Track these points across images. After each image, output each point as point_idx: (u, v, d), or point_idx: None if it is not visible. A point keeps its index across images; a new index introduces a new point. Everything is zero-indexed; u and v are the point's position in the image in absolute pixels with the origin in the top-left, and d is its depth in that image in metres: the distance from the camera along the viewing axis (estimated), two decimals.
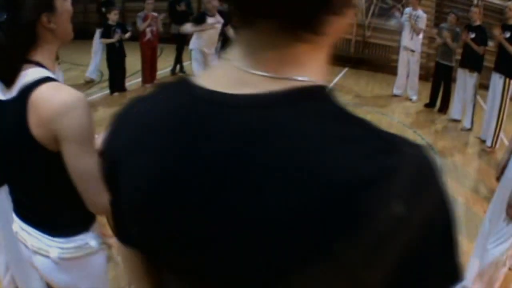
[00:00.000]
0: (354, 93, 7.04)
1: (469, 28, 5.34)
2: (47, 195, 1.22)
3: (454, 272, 0.45)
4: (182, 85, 0.48)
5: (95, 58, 6.53)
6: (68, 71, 6.55)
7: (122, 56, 5.94)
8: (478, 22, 5.42)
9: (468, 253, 3.02)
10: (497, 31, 4.80)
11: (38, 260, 1.27)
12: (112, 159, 0.52)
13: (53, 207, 1.24)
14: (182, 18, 7.31)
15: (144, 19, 6.29)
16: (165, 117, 0.47)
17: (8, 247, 1.93)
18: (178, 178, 0.45)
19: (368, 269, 0.40)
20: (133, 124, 0.50)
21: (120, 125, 0.52)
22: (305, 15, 0.42)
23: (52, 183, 1.19)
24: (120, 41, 5.81)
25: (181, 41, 7.27)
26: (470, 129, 5.37)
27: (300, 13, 0.41)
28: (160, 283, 0.56)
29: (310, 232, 0.39)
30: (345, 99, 6.63)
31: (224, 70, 0.46)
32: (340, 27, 0.46)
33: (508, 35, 4.95)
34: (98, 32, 6.31)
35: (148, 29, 6.36)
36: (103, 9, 6.04)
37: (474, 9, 5.44)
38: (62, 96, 1.08)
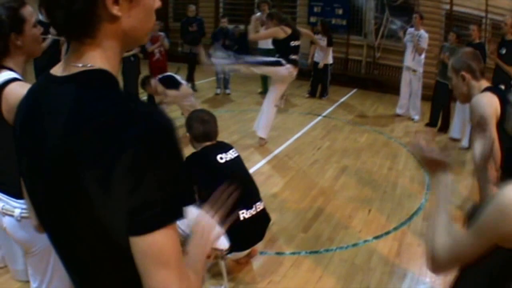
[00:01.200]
0: (357, 112, 7.00)
1: (470, 46, 5.25)
2: (11, 163, 1.41)
3: (169, 208, 0.70)
4: (47, 73, 0.84)
5: None
6: None
7: (137, 72, 6.11)
8: (477, 40, 5.38)
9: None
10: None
11: (7, 220, 1.64)
12: (15, 122, 0.88)
13: (16, 175, 1.45)
14: (194, 39, 7.57)
15: (152, 40, 6.48)
16: (32, 90, 0.87)
17: None
18: (26, 127, 0.82)
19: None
20: (24, 98, 0.87)
21: (21, 101, 0.88)
22: (77, 32, 0.75)
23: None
24: (135, 56, 6.06)
25: (193, 60, 7.53)
26: (468, 148, 5.21)
27: (74, 31, 0.75)
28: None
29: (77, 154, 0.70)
30: (346, 118, 6.59)
31: (63, 64, 0.80)
32: (115, 29, 0.76)
33: (504, 51, 4.86)
34: None
35: (156, 50, 6.62)
36: None
37: (473, 27, 5.39)
38: (26, 90, 1.41)
